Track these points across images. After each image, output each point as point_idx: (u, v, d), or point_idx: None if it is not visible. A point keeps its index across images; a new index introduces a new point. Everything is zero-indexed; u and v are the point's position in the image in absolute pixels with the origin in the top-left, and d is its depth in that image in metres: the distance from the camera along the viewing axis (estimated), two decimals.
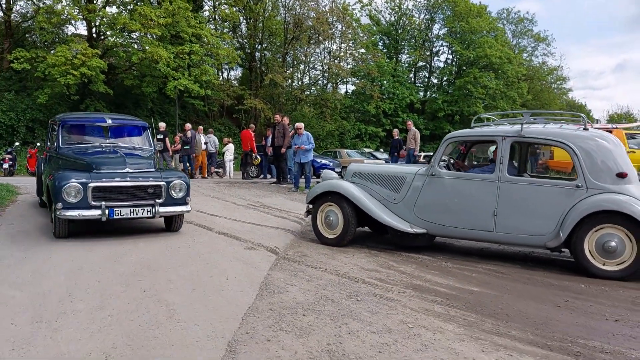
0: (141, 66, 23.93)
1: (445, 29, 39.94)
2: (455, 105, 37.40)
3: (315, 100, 34.91)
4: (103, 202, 6.09)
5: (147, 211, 6.31)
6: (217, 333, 3.36)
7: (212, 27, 29.14)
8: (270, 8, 32.33)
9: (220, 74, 32.28)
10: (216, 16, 30.17)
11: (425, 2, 39.76)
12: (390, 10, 40.52)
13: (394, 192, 6.45)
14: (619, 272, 5.12)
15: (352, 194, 6.44)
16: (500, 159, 5.77)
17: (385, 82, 36.76)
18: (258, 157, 17.36)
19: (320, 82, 36.71)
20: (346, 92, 38.73)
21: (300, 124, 13.32)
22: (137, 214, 6.26)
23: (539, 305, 4.25)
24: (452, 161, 6.61)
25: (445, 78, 41.33)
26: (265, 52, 33.89)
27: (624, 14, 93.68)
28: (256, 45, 32.95)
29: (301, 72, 36.10)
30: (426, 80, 42.31)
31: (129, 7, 24.93)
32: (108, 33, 24.49)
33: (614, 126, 15.94)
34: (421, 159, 22.21)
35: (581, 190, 5.34)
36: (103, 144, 7.43)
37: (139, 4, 23.96)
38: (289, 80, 33.77)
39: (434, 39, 41.09)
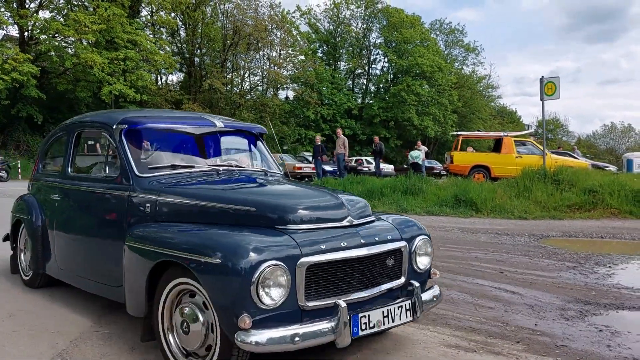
0: (75, 71, 24.06)
1: (382, 38, 41.73)
2: (390, 112, 39.12)
3: (254, 105, 35.72)
4: (337, 299, 2.69)
5: (406, 310, 2.99)
6: None
7: (150, 33, 29.45)
8: (209, 15, 32.93)
9: (159, 79, 32.58)
10: (153, 22, 30.48)
11: (362, 12, 41.42)
12: (329, 19, 41.92)
13: None
14: None
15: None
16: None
17: (324, 88, 38.05)
18: None
19: (260, 87, 37.57)
20: (286, 97, 39.76)
21: None
22: (393, 320, 2.92)
23: None
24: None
25: (381, 85, 43.10)
26: (205, 57, 34.44)
27: (556, 24, 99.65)
28: (195, 51, 33.45)
29: (241, 78, 36.84)
30: (364, 87, 43.98)
31: (63, 12, 24.97)
32: (41, 37, 24.45)
33: (505, 134, 17.68)
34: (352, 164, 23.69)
35: None
36: (217, 168, 3.75)
37: (73, 9, 24.09)
38: (228, 86, 34.42)
39: (371, 48, 42.83)
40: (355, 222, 2.98)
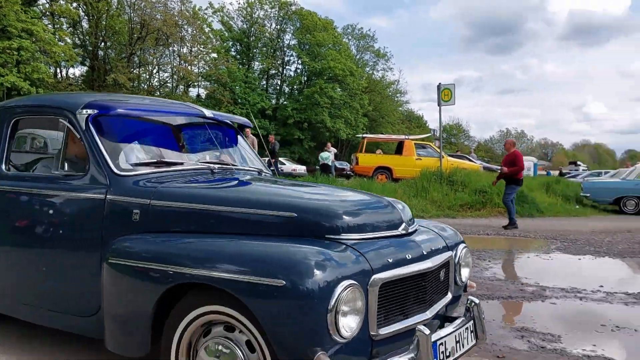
0: None
1: (295, 40, 42.03)
2: (304, 113, 39.50)
3: None
4: (407, 323, 2.32)
5: (470, 332, 2.57)
6: None
7: (48, 23, 27.60)
8: (114, 7, 31.42)
9: (58, 71, 30.58)
10: (52, 12, 28.58)
11: (276, 13, 41.47)
12: (243, 18, 41.55)
13: None
14: None
15: None
16: None
17: (237, 87, 37.66)
18: None
19: (169, 84, 36.45)
20: (197, 95, 38.88)
21: None
22: (463, 345, 2.49)
23: None
24: None
25: (295, 87, 43.40)
26: (109, 51, 32.84)
27: (461, 35, 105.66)
28: (99, 44, 31.80)
29: (149, 74, 35.52)
30: (278, 87, 44.06)
31: None
32: None
33: (406, 137, 18.60)
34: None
35: None
36: (211, 165, 3.17)
37: None
38: (135, 81, 33.06)
39: (285, 49, 42.99)
40: (410, 229, 2.58)
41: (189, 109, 3.40)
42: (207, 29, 36.90)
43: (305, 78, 42.73)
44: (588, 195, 14.93)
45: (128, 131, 3.05)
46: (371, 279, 2.09)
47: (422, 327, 2.13)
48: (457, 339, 2.40)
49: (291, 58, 43.55)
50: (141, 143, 3.08)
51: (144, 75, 35.17)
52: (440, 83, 13.43)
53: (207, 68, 35.88)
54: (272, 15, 41.65)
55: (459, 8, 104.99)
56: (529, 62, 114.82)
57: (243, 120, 4.00)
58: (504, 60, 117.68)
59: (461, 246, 2.92)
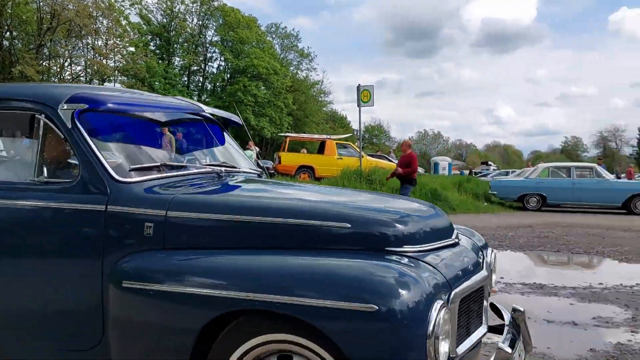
0: None
1: (218, 36, 41.36)
2: (227, 111, 38.83)
3: None
4: (474, 339, 2.19)
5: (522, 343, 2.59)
6: None
7: None
8: None
9: None
10: None
11: (198, 8, 40.58)
12: (162, 12, 40.28)
13: None
14: None
15: None
16: None
17: (157, 83, 36.43)
18: None
19: (82, 78, 34.58)
20: None
21: None
22: (522, 356, 2.47)
23: None
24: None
25: (218, 84, 42.71)
26: (16, 41, 30.65)
27: (383, 38, 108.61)
28: (4, 33, 29.57)
29: (60, 66, 33.51)
30: (200, 84, 43.12)
31: None
32: None
33: (328, 137, 18.96)
34: None
35: None
36: (217, 168, 2.80)
37: None
38: (45, 74, 31.07)
39: (208, 45, 42.17)
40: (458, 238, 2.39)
41: (185, 104, 3.00)
42: (124, 22, 35.40)
43: (229, 75, 42.19)
44: (495, 193, 15.94)
45: (120, 129, 2.60)
46: (452, 295, 1.89)
47: (503, 345, 2.07)
48: (519, 354, 2.27)
49: (214, 55, 42.88)
50: (136, 143, 2.63)
51: (55, 68, 33.13)
52: (359, 84, 13.79)
53: (124, 62, 34.43)
54: (193, 10, 40.76)
55: (381, 12, 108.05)
56: (446, 66, 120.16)
57: (236, 118, 3.52)
58: (423, 64, 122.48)
59: (489, 250, 2.74)
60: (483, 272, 2.27)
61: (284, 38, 47.75)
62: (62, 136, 2.34)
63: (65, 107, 2.32)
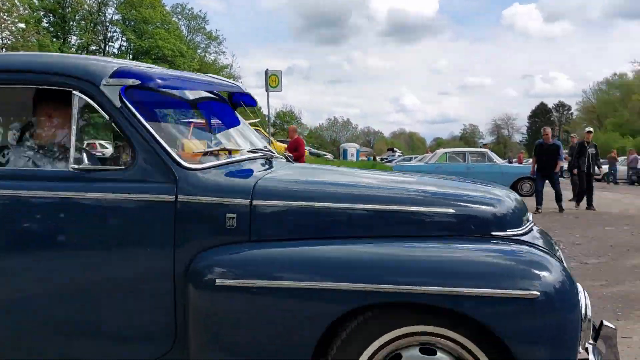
0: None
1: (119, 15, 39.17)
2: None
3: None
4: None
5: None
6: None
7: None
8: None
9: None
10: None
11: None
12: None
13: None
14: None
15: None
16: None
17: None
18: None
19: None
20: None
21: None
22: None
23: None
24: None
25: None
26: None
27: (293, 24, 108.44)
28: None
29: None
30: None
31: None
32: None
33: None
34: None
35: None
36: (263, 152, 2.76)
37: None
38: None
39: (108, 24, 39.83)
40: None
41: (225, 83, 2.75)
42: None
43: (131, 56, 40.09)
44: None
45: (165, 109, 2.30)
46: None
47: (607, 323, 2.17)
48: None
49: (115, 34, 40.62)
50: (186, 125, 2.34)
51: None
52: (267, 69, 13.76)
53: (14, 39, 31.63)
54: None
55: None
56: (354, 54, 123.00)
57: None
58: (333, 51, 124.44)
59: None
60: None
61: (190, 19, 46.18)
62: (107, 116, 2.03)
63: (110, 83, 2.02)
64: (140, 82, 2.06)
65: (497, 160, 16.50)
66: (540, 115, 70.75)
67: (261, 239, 1.97)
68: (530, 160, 15.14)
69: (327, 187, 2.19)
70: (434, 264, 1.82)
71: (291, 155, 5.31)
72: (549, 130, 11.84)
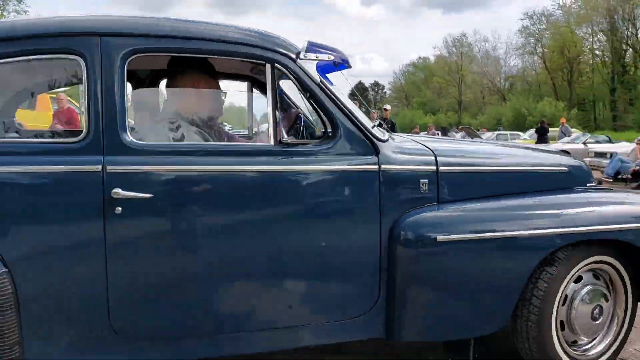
0: None
1: None
2: None
3: None
4: None
5: None
6: None
7: None
8: None
9: None
10: None
11: None
12: None
13: None
14: None
15: None
16: None
17: None
18: None
19: None
20: None
21: None
22: None
23: None
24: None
25: None
26: None
27: None
28: None
29: None
30: None
31: None
32: None
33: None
34: None
35: None
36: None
37: None
38: None
39: None
40: None
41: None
42: None
43: None
44: None
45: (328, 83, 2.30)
46: None
47: None
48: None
49: None
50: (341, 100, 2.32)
51: None
52: None
53: None
54: None
55: None
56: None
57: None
58: None
59: None
60: None
61: None
62: (305, 91, 2.11)
63: (308, 57, 2.10)
64: (341, 60, 2.28)
65: None
66: (358, 93, 76.14)
67: (446, 201, 2.28)
68: None
69: (486, 154, 2.70)
70: (607, 208, 2.46)
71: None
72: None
